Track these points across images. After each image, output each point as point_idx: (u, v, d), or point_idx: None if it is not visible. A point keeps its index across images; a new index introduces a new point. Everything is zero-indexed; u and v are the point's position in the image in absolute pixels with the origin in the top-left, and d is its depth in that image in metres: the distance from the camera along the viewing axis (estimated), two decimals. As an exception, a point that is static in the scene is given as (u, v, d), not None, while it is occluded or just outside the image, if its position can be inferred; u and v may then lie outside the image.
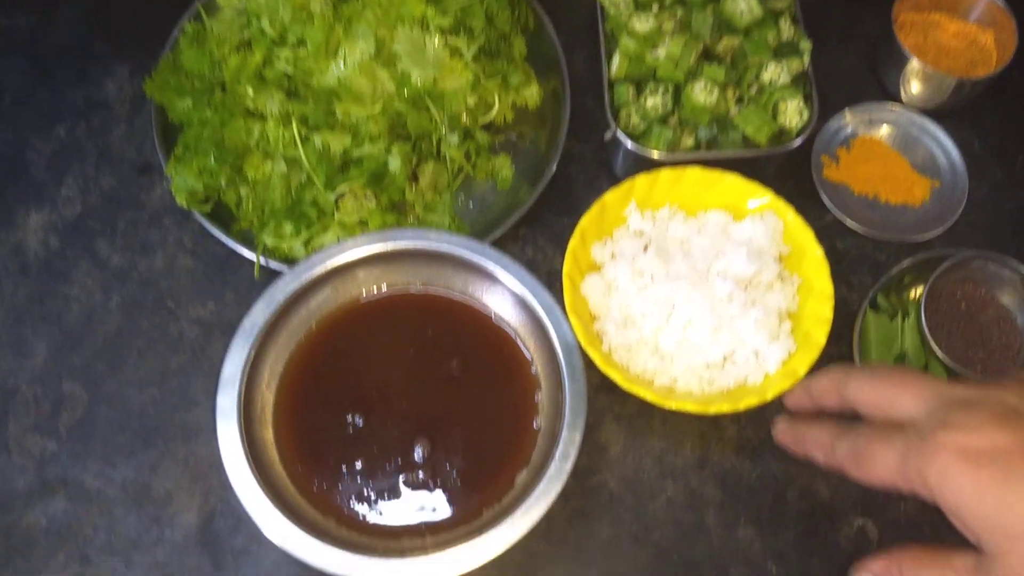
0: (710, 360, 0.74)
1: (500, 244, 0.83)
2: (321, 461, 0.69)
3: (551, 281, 0.75)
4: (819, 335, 0.74)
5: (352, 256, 0.72)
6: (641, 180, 0.79)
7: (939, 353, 0.75)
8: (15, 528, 0.73)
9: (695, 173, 0.80)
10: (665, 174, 0.79)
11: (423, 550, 0.63)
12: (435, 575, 0.62)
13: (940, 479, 0.52)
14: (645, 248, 0.78)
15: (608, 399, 0.79)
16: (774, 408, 0.79)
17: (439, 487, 0.68)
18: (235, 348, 0.68)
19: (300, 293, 0.71)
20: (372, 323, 0.74)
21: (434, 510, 0.68)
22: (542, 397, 0.71)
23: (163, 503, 0.74)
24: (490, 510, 0.67)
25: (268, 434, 0.69)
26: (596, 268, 0.79)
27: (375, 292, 0.74)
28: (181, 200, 0.79)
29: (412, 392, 0.71)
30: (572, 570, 0.73)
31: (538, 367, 0.72)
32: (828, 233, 0.86)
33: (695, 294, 0.74)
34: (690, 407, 0.72)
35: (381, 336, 0.73)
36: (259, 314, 0.69)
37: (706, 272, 0.76)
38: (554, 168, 0.84)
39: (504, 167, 0.86)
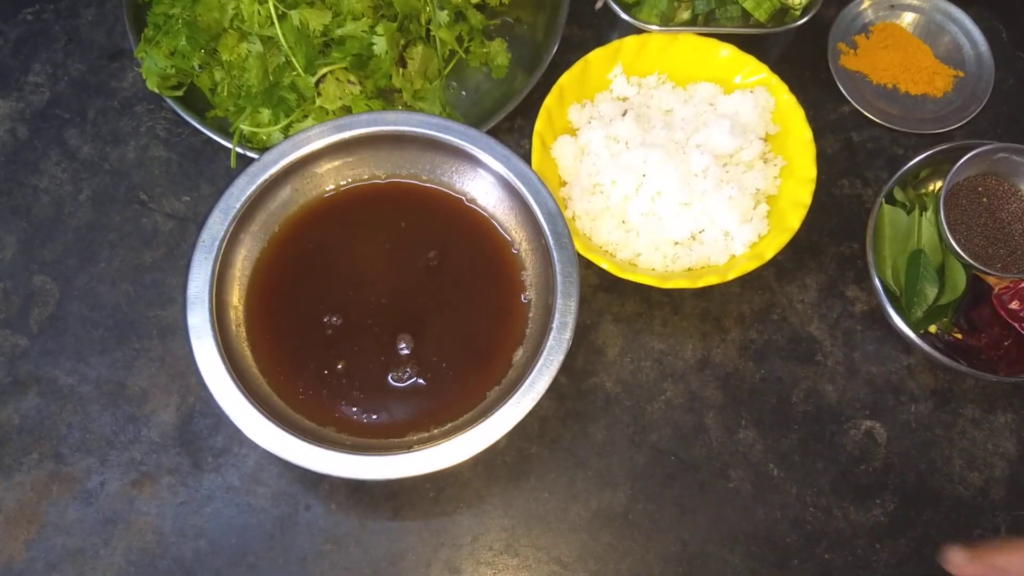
0: (677, 237, 0.71)
1: (494, 136, 0.78)
2: (303, 367, 0.65)
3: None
4: (793, 220, 0.70)
5: (308, 150, 0.66)
6: (630, 42, 0.75)
7: (958, 249, 0.71)
8: (-14, 426, 0.70)
9: (689, 40, 0.75)
10: (656, 38, 0.75)
11: (430, 441, 0.60)
12: (448, 458, 0.59)
13: None
14: (624, 114, 0.74)
15: (607, 299, 0.75)
16: (780, 310, 0.75)
17: (432, 378, 0.65)
18: (196, 264, 0.62)
19: (258, 197, 0.65)
20: (339, 220, 0.69)
21: (433, 400, 0.65)
22: (528, 275, 0.67)
23: (139, 401, 0.71)
24: (493, 392, 0.64)
25: (245, 348, 0.65)
26: (571, 131, 0.75)
27: (338, 187, 0.69)
28: (152, 85, 0.74)
29: (390, 287, 0.67)
30: (566, 472, 0.70)
31: (520, 245, 0.68)
32: (843, 124, 0.81)
33: (668, 164, 0.70)
34: (649, 280, 0.69)
35: (350, 233, 0.69)
36: (217, 224, 0.63)
37: (684, 144, 0.72)
38: (552, 55, 0.79)
39: (499, 53, 0.80)
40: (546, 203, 0.65)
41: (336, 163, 0.68)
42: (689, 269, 0.71)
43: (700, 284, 0.68)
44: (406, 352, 0.65)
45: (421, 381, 0.64)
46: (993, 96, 0.82)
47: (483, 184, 0.69)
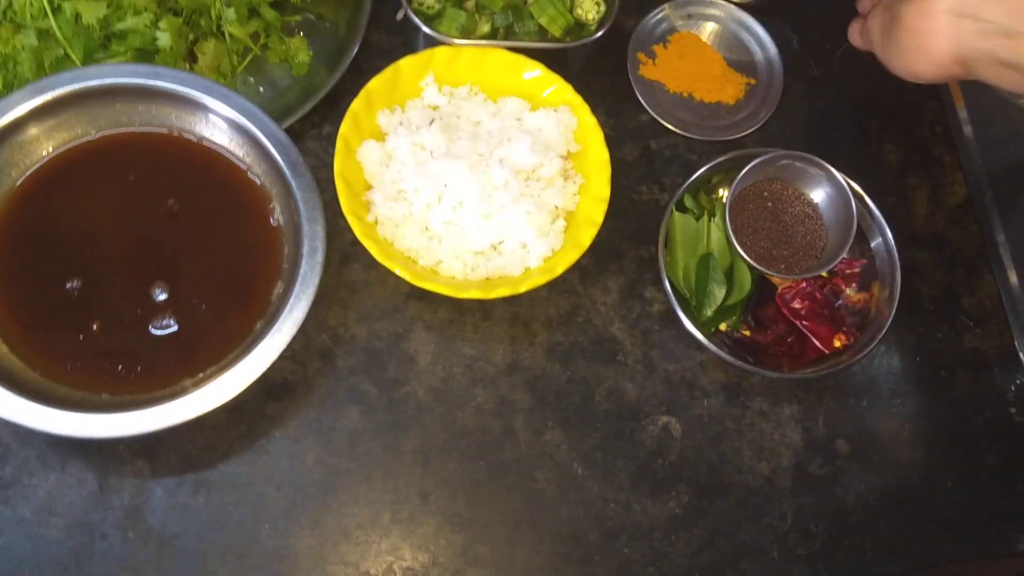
0: (478, 247, 0.72)
1: (298, 131, 0.77)
2: (57, 341, 0.64)
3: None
4: (584, 237, 0.73)
5: (15, 114, 0.64)
6: (442, 52, 0.75)
7: (742, 252, 0.75)
8: None
9: (499, 56, 0.76)
10: (469, 51, 0.75)
11: (205, 380, 0.61)
12: (229, 390, 0.61)
13: None
14: (431, 122, 0.74)
15: (418, 307, 0.75)
16: (584, 313, 0.77)
17: (195, 320, 0.65)
18: None
19: None
20: (64, 183, 0.67)
21: (201, 341, 0.65)
22: (274, 206, 0.69)
23: (-100, 433, 0.65)
24: (259, 324, 0.65)
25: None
26: (379, 136, 0.75)
27: (55, 150, 0.67)
28: (-89, 81, 0.67)
29: (133, 240, 0.67)
30: (376, 484, 0.70)
31: (261, 178, 0.69)
32: (643, 133, 0.84)
33: (470, 177, 0.71)
34: (442, 289, 0.70)
35: (76, 196, 0.67)
36: None
37: (488, 156, 0.73)
38: (354, 53, 0.77)
39: (300, 50, 0.78)
40: (275, 135, 0.67)
41: (49, 123, 0.66)
42: (487, 279, 0.72)
43: (492, 295, 0.70)
44: (164, 299, 0.65)
45: (182, 326, 0.65)
46: (783, 102, 0.87)
47: (212, 124, 0.69)
